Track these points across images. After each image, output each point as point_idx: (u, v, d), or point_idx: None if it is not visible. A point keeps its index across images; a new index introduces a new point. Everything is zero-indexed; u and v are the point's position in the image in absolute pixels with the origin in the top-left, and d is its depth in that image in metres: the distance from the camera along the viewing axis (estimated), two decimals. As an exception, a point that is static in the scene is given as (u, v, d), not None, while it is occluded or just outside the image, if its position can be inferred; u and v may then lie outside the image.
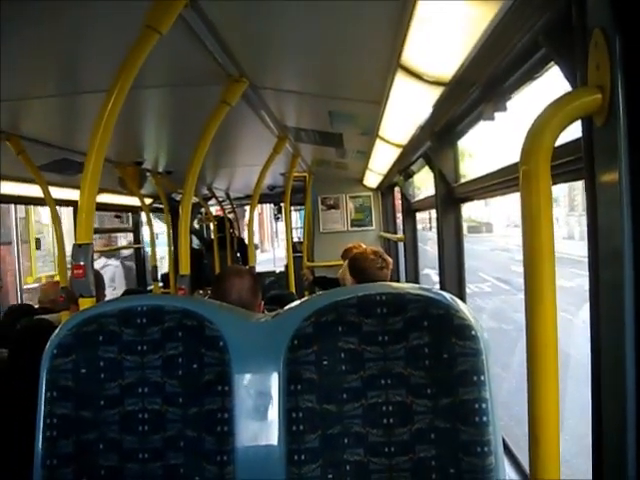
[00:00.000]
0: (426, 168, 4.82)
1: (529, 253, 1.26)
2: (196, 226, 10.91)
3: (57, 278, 12.29)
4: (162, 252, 9.32)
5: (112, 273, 9.84)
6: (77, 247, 2.23)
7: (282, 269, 10.71)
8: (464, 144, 3.83)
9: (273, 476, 1.67)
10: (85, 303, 2.25)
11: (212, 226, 10.19)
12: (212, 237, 10.23)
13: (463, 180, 3.58)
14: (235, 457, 1.69)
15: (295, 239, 10.79)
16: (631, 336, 1.27)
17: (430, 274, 10.44)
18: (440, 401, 1.66)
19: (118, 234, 13.00)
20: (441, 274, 3.86)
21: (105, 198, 6.90)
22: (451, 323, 1.67)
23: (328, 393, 1.69)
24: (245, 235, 11.42)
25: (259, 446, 1.71)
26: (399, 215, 7.33)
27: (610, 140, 1.27)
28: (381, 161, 5.55)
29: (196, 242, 10.94)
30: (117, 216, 9.97)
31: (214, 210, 10.74)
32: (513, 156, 2.28)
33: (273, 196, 9.43)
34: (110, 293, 7.63)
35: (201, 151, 3.11)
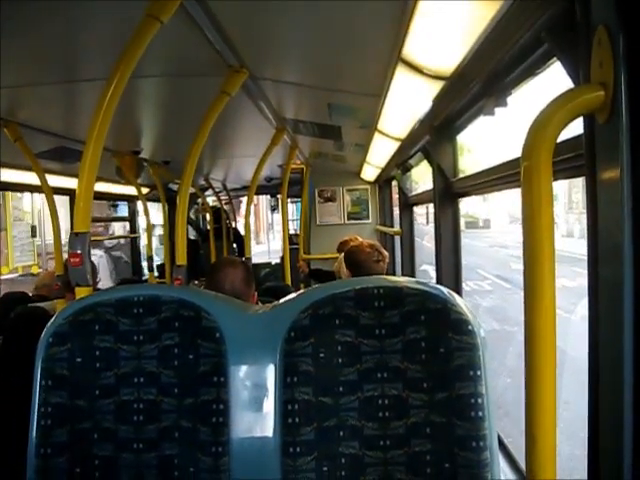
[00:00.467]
0: (424, 162, 4.82)
1: (529, 248, 1.26)
2: (192, 217, 10.89)
3: (34, 269, 12.26)
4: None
5: (96, 263, 9.79)
6: (74, 235, 2.23)
7: (278, 261, 10.71)
8: (463, 140, 3.83)
9: (268, 468, 1.67)
10: (82, 292, 2.24)
11: (208, 217, 10.17)
12: (208, 228, 10.22)
13: (461, 175, 3.58)
14: (230, 448, 1.69)
15: (291, 231, 10.77)
16: (629, 333, 1.27)
17: (428, 270, 10.33)
18: (436, 395, 1.66)
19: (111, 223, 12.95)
20: (438, 269, 3.86)
21: (101, 187, 6.88)
22: (448, 317, 1.67)
23: (324, 386, 1.69)
24: (241, 226, 11.43)
25: (254, 438, 1.71)
26: (396, 209, 7.33)
27: (612, 137, 1.27)
28: (379, 154, 5.55)
29: (192, 233, 10.92)
30: (113, 205, 9.94)
31: (211, 201, 10.71)
32: (511, 152, 2.28)
33: (270, 187, 9.41)
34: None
35: (199, 141, 3.10)
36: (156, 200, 8.37)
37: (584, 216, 1.51)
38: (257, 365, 1.74)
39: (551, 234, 1.24)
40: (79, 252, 2.23)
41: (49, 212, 4.72)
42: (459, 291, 3.70)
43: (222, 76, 2.92)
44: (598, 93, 1.27)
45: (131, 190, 7.15)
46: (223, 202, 10.52)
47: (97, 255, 10.03)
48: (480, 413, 1.63)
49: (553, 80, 1.96)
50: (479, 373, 1.65)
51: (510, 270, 16.97)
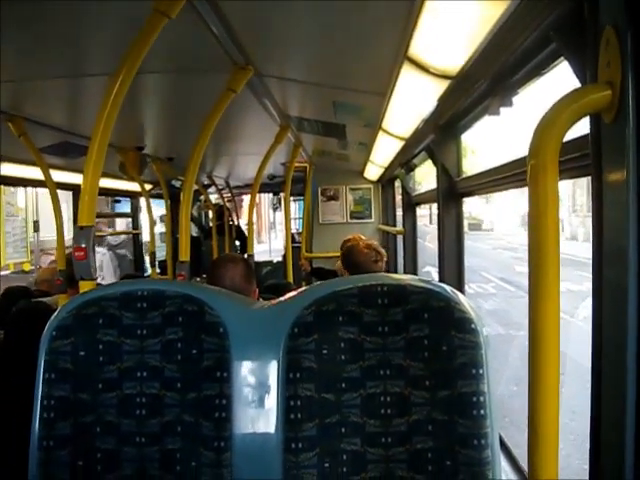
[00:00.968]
0: (427, 162, 4.82)
1: (535, 245, 1.26)
2: (195, 213, 10.89)
3: (26, 266, 12.22)
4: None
5: (99, 261, 9.78)
6: (79, 229, 2.23)
7: (279, 259, 10.72)
8: (467, 141, 3.83)
9: (270, 463, 1.67)
10: (86, 286, 2.25)
11: (211, 214, 10.18)
12: (210, 225, 10.23)
13: (465, 175, 3.58)
14: (232, 443, 1.70)
15: (293, 230, 10.78)
16: (633, 335, 1.27)
17: (431, 272, 10.27)
18: (438, 393, 1.66)
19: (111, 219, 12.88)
20: (441, 268, 3.87)
21: (104, 182, 6.88)
22: (451, 316, 1.67)
23: (327, 382, 1.70)
24: (243, 223, 11.44)
25: (256, 433, 1.71)
26: (399, 209, 7.33)
27: (618, 137, 1.27)
28: (383, 154, 5.55)
29: (194, 229, 10.92)
30: (116, 200, 9.94)
31: (213, 198, 10.72)
32: (516, 152, 2.29)
33: (273, 186, 9.42)
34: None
35: (204, 138, 3.11)
36: (159, 197, 8.38)
37: (588, 219, 1.51)
38: (260, 361, 1.74)
39: (556, 232, 1.25)
40: (84, 246, 2.24)
41: (52, 207, 4.72)
42: (462, 290, 3.70)
43: (227, 73, 2.92)
44: (605, 93, 1.27)
45: (134, 186, 7.15)
46: (226, 199, 10.53)
47: (100, 252, 10.01)
48: (482, 411, 1.63)
49: (558, 81, 1.96)
50: (481, 371, 1.65)
51: (514, 273, 16.89)
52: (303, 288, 1.94)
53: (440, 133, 3.55)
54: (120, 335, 1.77)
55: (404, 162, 5.53)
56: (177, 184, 8.07)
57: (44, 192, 8.51)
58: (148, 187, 7.68)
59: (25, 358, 2.03)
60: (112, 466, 1.72)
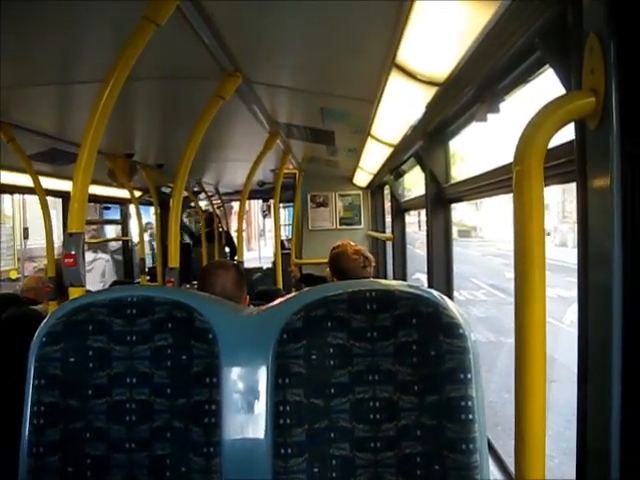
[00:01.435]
0: (416, 169, 4.83)
1: (520, 252, 1.28)
2: (184, 220, 10.88)
3: (12, 274, 12.15)
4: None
5: (102, 268, 9.77)
6: (68, 236, 2.24)
7: (269, 266, 10.71)
8: (456, 148, 3.84)
9: (259, 469, 1.68)
10: (75, 292, 2.25)
11: (201, 221, 10.18)
12: (200, 232, 10.22)
13: (454, 181, 3.59)
14: (222, 449, 1.70)
15: (283, 236, 10.78)
16: (618, 339, 1.28)
17: (421, 279, 10.25)
18: (427, 398, 1.67)
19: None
20: (430, 273, 3.88)
21: (93, 189, 6.87)
22: (440, 321, 1.68)
23: (316, 387, 1.70)
24: (233, 230, 11.44)
25: (246, 439, 1.72)
26: (388, 215, 7.34)
27: (602, 143, 1.28)
28: (372, 160, 5.56)
29: (184, 236, 10.91)
30: (106, 207, 9.93)
31: (203, 205, 10.72)
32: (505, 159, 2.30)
33: (262, 192, 9.41)
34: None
35: (193, 145, 3.11)
36: (149, 203, 8.37)
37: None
38: (249, 366, 1.75)
39: (542, 237, 1.26)
40: (73, 253, 2.24)
41: (42, 214, 4.72)
42: (450, 296, 3.71)
43: (216, 80, 2.93)
44: (589, 99, 1.29)
45: (123, 193, 7.15)
46: (215, 206, 10.53)
47: (104, 259, 9.98)
48: (470, 416, 1.64)
49: (543, 89, 1.97)
50: (469, 376, 1.66)
51: (504, 279, 16.87)
52: (292, 294, 1.94)
53: (428, 139, 3.57)
54: (110, 341, 1.77)
55: (393, 168, 5.55)
56: (167, 191, 8.07)
57: (32, 199, 8.51)
58: (138, 194, 7.67)
59: (15, 364, 2.03)
60: (102, 472, 1.72)
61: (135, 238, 9.00)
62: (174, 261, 3.33)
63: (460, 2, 1.77)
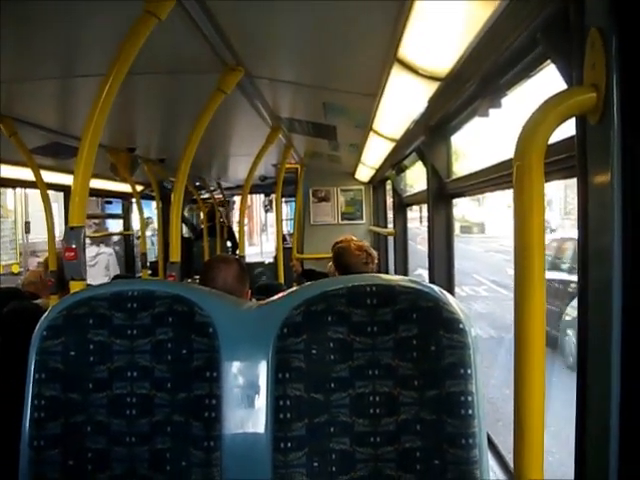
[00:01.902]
0: (417, 165, 4.83)
1: (520, 247, 1.28)
2: (186, 215, 10.89)
3: (15, 268, 12.17)
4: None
5: (106, 261, 9.76)
6: (69, 230, 2.24)
7: (271, 260, 10.72)
8: (458, 144, 3.84)
9: (259, 463, 1.68)
10: (76, 286, 2.25)
11: (202, 215, 10.18)
12: (202, 226, 10.22)
13: (455, 176, 3.59)
14: (222, 443, 1.70)
15: (284, 231, 10.78)
16: (617, 333, 1.28)
17: (422, 274, 10.25)
18: (426, 393, 1.67)
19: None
20: (431, 268, 3.88)
21: (95, 184, 6.87)
22: (440, 316, 1.68)
23: (316, 382, 1.70)
24: (235, 225, 11.44)
25: (246, 433, 1.72)
26: (390, 210, 7.33)
27: (603, 139, 1.28)
28: (374, 155, 5.56)
29: (185, 230, 10.91)
30: (108, 202, 9.93)
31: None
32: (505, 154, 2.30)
33: (264, 187, 9.42)
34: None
35: (195, 139, 3.11)
36: (150, 198, 8.37)
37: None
38: (250, 361, 1.75)
39: (542, 233, 1.26)
40: (74, 246, 2.24)
41: (43, 208, 4.72)
42: (451, 291, 3.71)
43: (218, 74, 2.93)
44: (590, 95, 1.28)
45: (125, 187, 7.15)
46: (217, 200, 10.53)
47: (107, 253, 9.97)
48: (470, 411, 1.64)
49: (544, 85, 1.97)
50: (469, 371, 1.66)
51: (506, 276, 16.81)
52: (292, 289, 1.95)
53: (430, 134, 3.56)
54: (110, 335, 1.77)
55: (395, 163, 5.55)
56: (169, 185, 8.07)
57: (33, 193, 8.51)
58: (139, 188, 7.67)
59: (16, 358, 2.03)
60: (102, 466, 1.72)
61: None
62: (175, 255, 3.34)
63: (462, -3, 1.77)
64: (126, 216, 9.40)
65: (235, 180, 9.41)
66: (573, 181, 1.61)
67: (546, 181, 1.30)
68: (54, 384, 1.74)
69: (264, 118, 4.27)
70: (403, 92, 2.88)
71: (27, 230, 12.40)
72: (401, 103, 3.15)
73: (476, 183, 3.09)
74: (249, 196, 9.74)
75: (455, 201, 3.80)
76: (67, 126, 4.35)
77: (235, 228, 11.10)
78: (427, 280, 3.98)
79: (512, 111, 2.65)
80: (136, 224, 8.86)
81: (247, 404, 1.73)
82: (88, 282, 2.35)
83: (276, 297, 1.87)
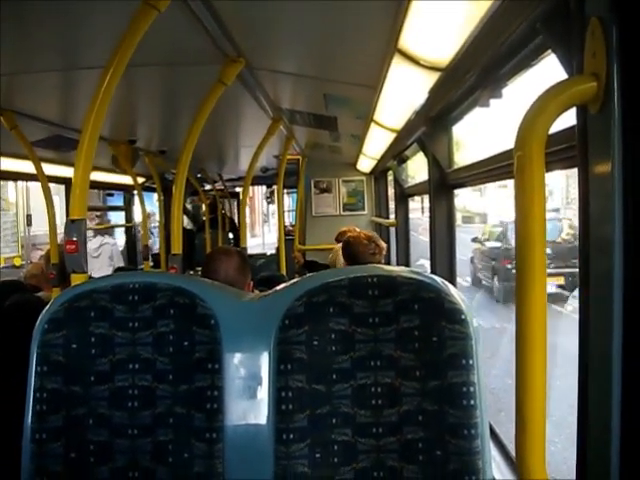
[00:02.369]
0: (418, 155, 4.82)
1: (521, 237, 1.27)
2: (188, 206, 10.89)
3: (17, 261, 12.20)
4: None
5: (110, 252, 9.77)
6: (70, 223, 2.24)
7: (273, 252, 10.72)
8: (460, 135, 3.83)
9: (261, 454, 1.68)
10: (77, 279, 2.25)
11: (204, 207, 10.18)
12: (204, 218, 10.22)
13: (456, 166, 3.59)
14: (224, 435, 1.71)
15: (286, 222, 10.78)
16: (619, 325, 1.28)
17: (425, 265, 10.25)
18: (428, 383, 1.67)
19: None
20: (432, 259, 3.88)
21: (97, 176, 6.87)
22: (442, 306, 1.68)
23: (318, 373, 1.70)
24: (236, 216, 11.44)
25: (248, 424, 1.72)
26: (391, 201, 7.33)
27: (604, 128, 1.28)
28: (375, 146, 5.55)
29: (187, 222, 10.91)
30: (109, 194, 9.92)
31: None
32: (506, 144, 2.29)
33: (266, 178, 9.42)
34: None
35: (196, 131, 3.11)
36: (152, 190, 8.36)
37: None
38: (251, 352, 1.75)
39: (543, 223, 1.25)
40: (75, 239, 2.24)
41: (45, 201, 4.72)
42: (453, 282, 3.71)
43: (219, 65, 2.92)
44: (591, 84, 1.28)
45: (127, 179, 7.15)
46: (219, 192, 10.53)
47: (110, 243, 9.97)
48: (472, 401, 1.64)
49: (543, 76, 1.96)
50: (471, 362, 1.66)
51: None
52: (294, 280, 1.95)
53: (431, 125, 3.56)
54: (112, 327, 1.77)
55: (396, 154, 5.54)
56: (170, 177, 8.07)
57: (35, 186, 8.51)
58: (141, 180, 7.67)
59: (18, 351, 2.04)
60: (104, 458, 1.73)
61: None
62: (177, 247, 3.34)
63: (462, -14, 1.76)
64: (128, 208, 9.39)
65: (237, 171, 9.41)
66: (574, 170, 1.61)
67: (547, 171, 1.29)
68: (56, 377, 1.75)
69: (265, 109, 4.26)
70: (404, 83, 2.87)
71: (29, 223, 12.43)
72: (402, 94, 3.15)
73: (477, 173, 3.08)
74: (251, 187, 9.73)
75: (456, 191, 3.80)
76: (68, 118, 4.34)
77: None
78: (429, 270, 3.99)
79: (513, 101, 2.64)
80: (138, 216, 8.87)
81: (249, 396, 1.73)
82: (92, 273, 2.35)
83: (278, 288, 1.87)
